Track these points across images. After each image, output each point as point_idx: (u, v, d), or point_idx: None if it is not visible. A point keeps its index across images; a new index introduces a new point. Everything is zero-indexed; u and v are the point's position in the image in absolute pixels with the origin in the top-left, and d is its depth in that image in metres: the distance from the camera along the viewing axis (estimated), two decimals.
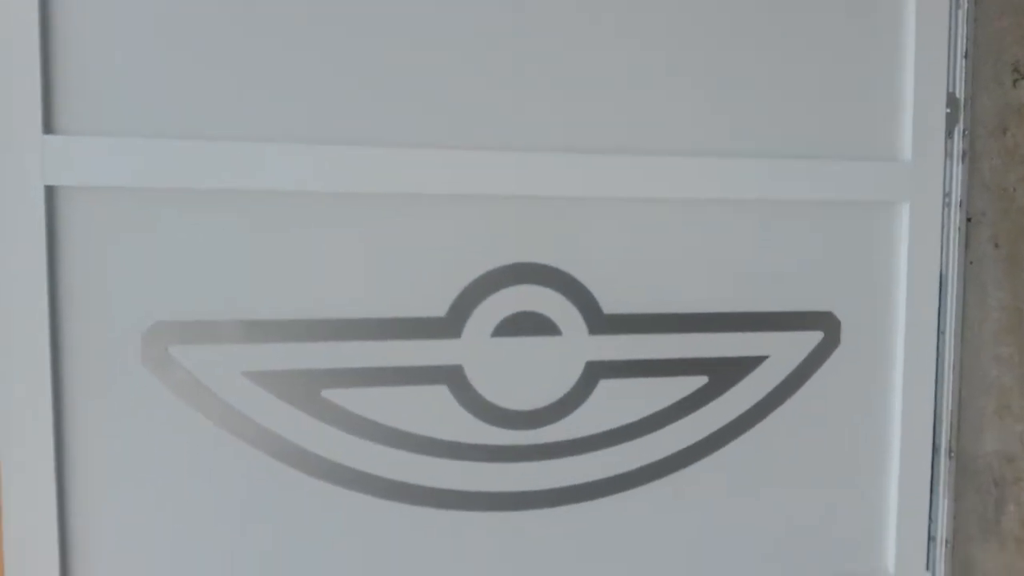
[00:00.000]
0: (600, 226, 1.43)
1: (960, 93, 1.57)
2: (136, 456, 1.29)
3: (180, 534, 1.32)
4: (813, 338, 1.53)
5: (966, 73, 1.57)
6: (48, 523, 1.25)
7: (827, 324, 1.54)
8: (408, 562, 1.41)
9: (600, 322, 1.45)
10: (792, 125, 1.50)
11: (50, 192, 1.23)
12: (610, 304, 1.45)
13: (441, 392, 1.40)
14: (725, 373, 1.50)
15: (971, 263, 1.58)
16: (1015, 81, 1.53)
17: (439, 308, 1.39)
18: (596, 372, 1.45)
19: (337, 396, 1.36)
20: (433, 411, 1.40)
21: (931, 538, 1.60)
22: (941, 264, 1.58)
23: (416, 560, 1.41)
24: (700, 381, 1.49)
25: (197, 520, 1.32)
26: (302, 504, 1.35)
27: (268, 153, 1.28)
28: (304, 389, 1.34)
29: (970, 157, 1.58)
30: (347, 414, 1.36)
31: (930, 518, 1.60)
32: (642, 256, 1.46)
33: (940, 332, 1.59)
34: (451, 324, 1.39)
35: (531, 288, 1.42)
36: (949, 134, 1.57)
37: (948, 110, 1.56)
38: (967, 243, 1.59)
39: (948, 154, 1.57)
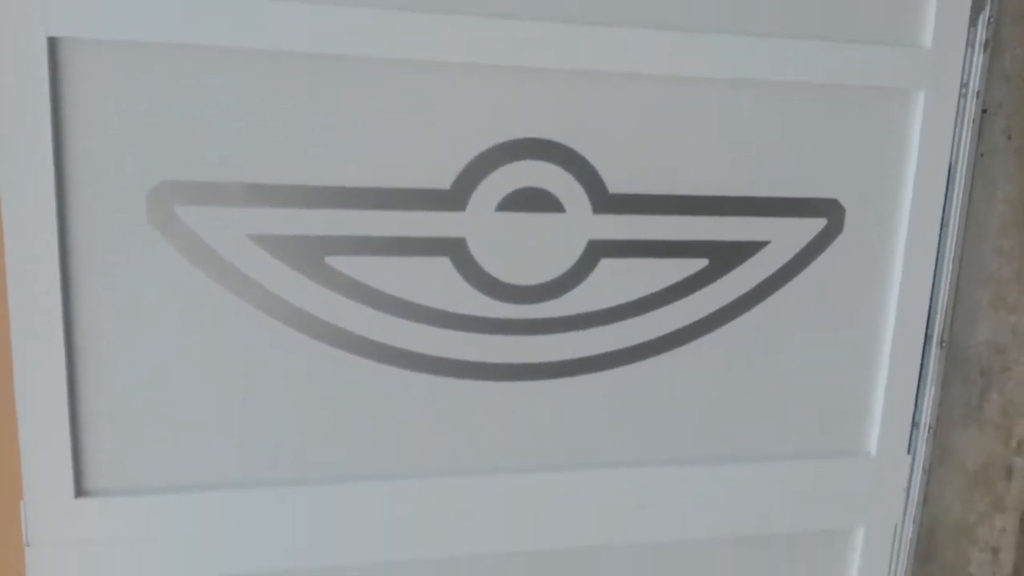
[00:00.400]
0: (610, 103, 1.41)
1: None
2: (143, 314, 1.32)
3: (184, 390, 1.36)
4: (816, 225, 1.54)
5: None
6: (57, 377, 1.29)
7: (831, 211, 1.54)
8: (405, 426, 1.46)
9: (604, 201, 1.44)
10: (808, 4, 1.45)
11: (53, 44, 1.20)
12: (616, 184, 1.45)
13: (443, 264, 1.42)
14: (726, 256, 1.51)
15: (982, 155, 1.56)
16: None
17: (444, 180, 1.39)
18: (598, 251, 1.46)
19: (340, 263, 1.37)
20: (435, 282, 1.42)
21: (915, 424, 1.65)
22: (951, 155, 1.56)
23: (413, 425, 1.46)
24: (700, 263, 1.50)
25: (201, 377, 1.36)
26: (304, 365, 1.39)
27: (278, 11, 1.25)
28: (308, 255, 1.35)
29: (992, 46, 1.54)
30: (350, 281, 1.38)
31: (915, 405, 1.65)
32: (650, 136, 1.44)
33: (944, 224, 1.59)
34: (456, 197, 1.40)
35: (538, 164, 1.41)
36: (972, 22, 1.52)
37: None
38: (980, 135, 1.56)
39: (969, 42, 1.53)
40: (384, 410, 1.44)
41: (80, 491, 1.34)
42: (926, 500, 1.66)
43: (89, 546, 1.35)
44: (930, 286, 1.60)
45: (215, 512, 1.39)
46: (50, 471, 1.32)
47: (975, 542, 1.54)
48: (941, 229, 1.59)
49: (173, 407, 1.36)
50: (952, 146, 1.56)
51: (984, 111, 1.55)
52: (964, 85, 1.54)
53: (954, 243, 1.59)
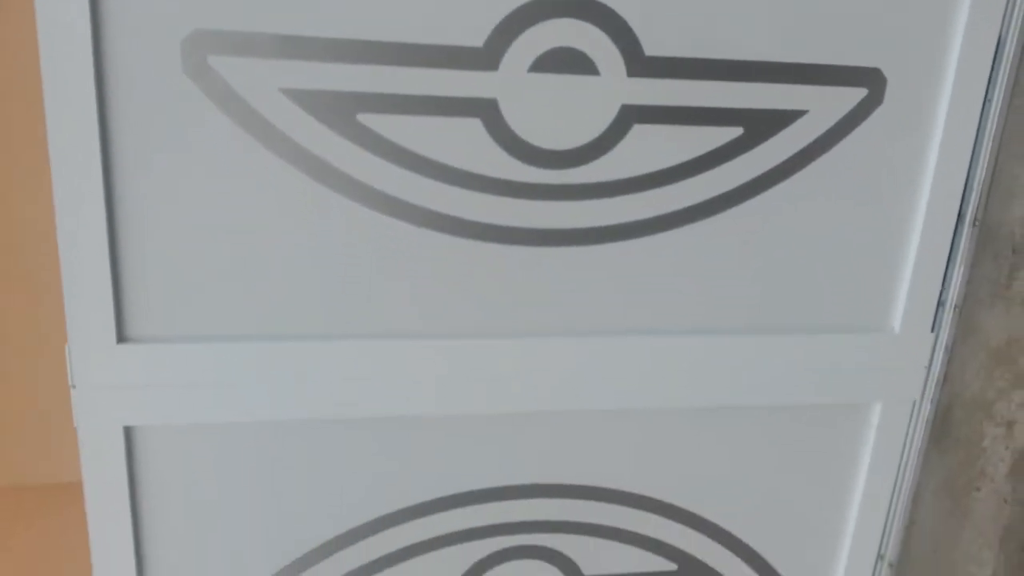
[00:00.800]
0: None
1: None
2: (180, 163, 1.33)
3: (219, 241, 1.38)
4: (856, 95, 1.50)
5: None
6: (98, 225, 1.32)
7: (873, 81, 1.50)
8: (430, 286, 1.48)
9: (640, 64, 1.42)
10: None
11: None
12: (652, 46, 1.41)
13: (474, 125, 1.41)
14: (761, 125, 1.48)
15: None
16: None
17: (477, 38, 1.36)
18: (631, 116, 1.44)
19: (372, 121, 1.37)
20: (465, 144, 1.41)
21: (940, 303, 1.66)
22: (1001, 27, 1.50)
23: (438, 285, 1.48)
24: (735, 132, 1.48)
25: (235, 229, 1.38)
26: (334, 222, 1.41)
27: None
28: (339, 111, 1.35)
29: None
30: (380, 139, 1.38)
31: (943, 284, 1.64)
32: None
33: (987, 99, 1.55)
34: (488, 55, 1.37)
35: (573, 23, 1.38)
36: None
37: None
38: None
39: None
40: (409, 270, 1.46)
41: (121, 337, 1.39)
42: (946, 378, 1.68)
43: (130, 390, 1.41)
44: (967, 164, 1.57)
45: (250, 362, 1.44)
46: (92, 317, 1.36)
47: (991, 417, 1.57)
48: (984, 105, 1.55)
49: (209, 258, 1.39)
50: (1003, 17, 1.50)
51: None
52: None
53: (996, 119, 1.55)
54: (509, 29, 1.36)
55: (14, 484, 3.03)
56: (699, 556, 1.77)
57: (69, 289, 1.35)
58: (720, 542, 1.77)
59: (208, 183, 1.35)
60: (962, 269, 1.62)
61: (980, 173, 1.57)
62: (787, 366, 1.63)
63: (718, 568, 1.79)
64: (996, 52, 1.52)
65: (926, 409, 1.71)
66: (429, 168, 1.41)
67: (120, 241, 1.35)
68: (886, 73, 1.50)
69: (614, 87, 1.42)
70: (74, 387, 1.39)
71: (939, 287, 1.65)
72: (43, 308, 2.70)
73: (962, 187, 1.58)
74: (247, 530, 1.57)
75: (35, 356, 2.85)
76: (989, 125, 1.56)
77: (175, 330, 1.41)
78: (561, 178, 1.46)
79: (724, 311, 1.59)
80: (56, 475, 3.00)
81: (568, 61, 1.40)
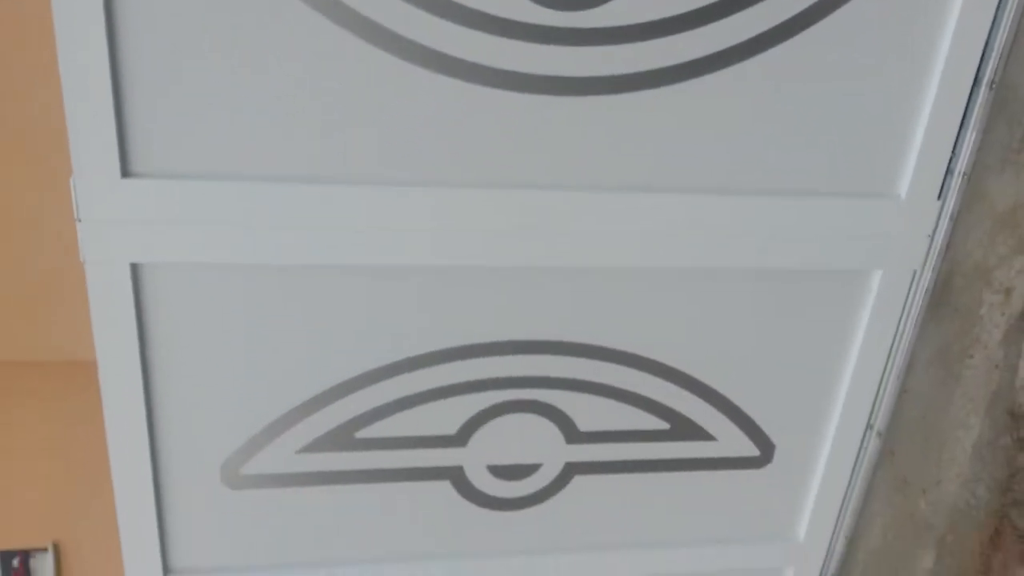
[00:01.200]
0: None
1: None
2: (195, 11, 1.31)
3: (227, 78, 1.37)
4: None
5: None
6: (100, 55, 1.30)
7: None
8: (432, 132, 1.46)
9: None
10: None
11: None
12: None
13: None
14: None
15: None
16: None
17: None
18: None
19: None
20: None
21: (949, 171, 1.64)
22: None
23: (441, 131, 1.46)
24: None
25: (243, 67, 1.36)
26: (346, 62, 1.38)
27: None
28: None
29: None
30: None
31: (953, 151, 1.63)
32: None
33: None
34: None
35: None
36: None
37: None
38: None
39: None
40: (414, 114, 1.44)
41: (126, 172, 1.39)
42: (948, 246, 1.68)
43: (136, 225, 1.42)
44: (990, 22, 1.53)
45: (254, 201, 1.44)
46: (96, 151, 1.36)
47: (990, 284, 1.57)
48: None
49: (213, 93, 1.37)
50: None
51: None
52: None
53: None
54: None
55: (27, 360, 3.06)
56: (692, 417, 1.82)
57: (73, 121, 1.34)
58: (713, 404, 1.81)
59: (214, 16, 1.32)
60: (974, 136, 1.60)
61: (1002, 33, 1.53)
62: (789, 229, 1.63)
63: (709, 429, 1.84)
64: None
65: (927, 278, 1.72)
66: (441, 8, 1.38)
67: (123, 74, 1.33)
68: None
69: None
70: (79, 221, 1.40)
71: (949, 153, 1.63)
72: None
73: (982, 47, 1.54)
74: (252, 372, 1.60)
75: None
76: None
77: (180, 167, 1.41)
78: (570, 20, 1.42)
79: (730, 170, 1.58)
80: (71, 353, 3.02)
81: None
